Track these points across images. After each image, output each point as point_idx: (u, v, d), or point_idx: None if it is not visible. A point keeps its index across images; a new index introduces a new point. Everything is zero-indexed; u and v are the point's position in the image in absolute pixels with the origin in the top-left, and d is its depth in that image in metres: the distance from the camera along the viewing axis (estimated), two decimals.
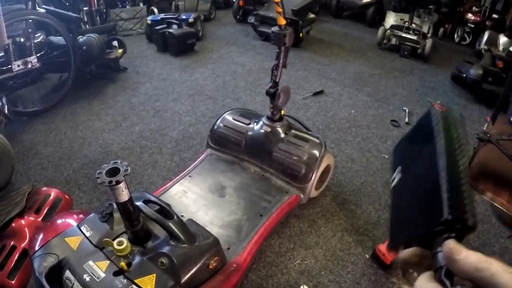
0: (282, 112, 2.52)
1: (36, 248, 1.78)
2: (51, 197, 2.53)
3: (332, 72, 4.45)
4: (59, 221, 1.94)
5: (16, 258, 2.19)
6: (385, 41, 5.17)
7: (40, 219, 2.40)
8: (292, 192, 2.40)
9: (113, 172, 1.53)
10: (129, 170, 1.52)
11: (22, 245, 2.24)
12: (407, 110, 3.70)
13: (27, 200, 2.50)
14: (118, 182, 1.49)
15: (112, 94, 3.94)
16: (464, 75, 4.10)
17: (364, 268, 2.27)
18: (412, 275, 1.86)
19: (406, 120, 3.57)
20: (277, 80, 2.38)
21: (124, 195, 1.56)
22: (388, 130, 3.44)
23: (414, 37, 4.90)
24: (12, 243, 2.24)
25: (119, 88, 4.05)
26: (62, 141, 3.27)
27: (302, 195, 2.40)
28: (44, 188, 2.62)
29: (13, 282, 2.11)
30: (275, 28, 2.25)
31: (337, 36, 5.71)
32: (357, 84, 4.19)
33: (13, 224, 2.31)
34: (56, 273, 1.70)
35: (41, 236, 1.85)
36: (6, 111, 2.84)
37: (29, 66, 3.33)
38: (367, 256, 2.33)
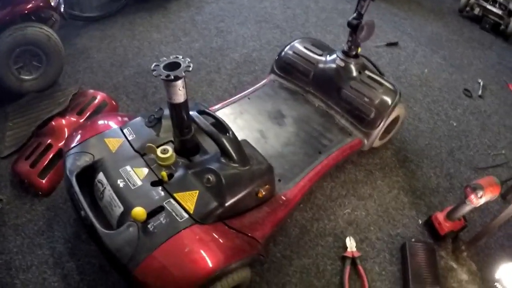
0: (359, 49, 2.28)
1: (72, 145, 1.72)
2: (97, 101, 2.52)
3: (408, 27, 4.13)
4: (100, 122, 1.86)
5: (50, 157, 2.17)
6: (467, 8, 4.74)
7: (82, 120, 2.38)
8: (355, 135, 2.22)
9: (173, 67, 1.41)
10: (191, 67, 1.38)
11: (59, 145, 2.21)
12: (481, 83, 3.41)
13: (71, 101, 2.52)
14: (176, 78, 1.37)
15: (175, 9, 3.82)
16: None
17: (415, 233, 2.12)
18: (463, 253, 1.64)
19: (480, 92, 3.28)
20: (362, 12, 2.15)
21: (180, 96, 1.44)
22: (460, 98, 3.17)
23: (499, 12, 4.45)
24: (49, 141, 2.23)
25: (183, 4, 3.91)
26: (116, 48, 3.21)
27: (365, 141, 2.23)
28: (91, 91, 2.62)
29: (43, 181, 2.08)
30: None
31: None
32: (433, 45, 3.88)
33: (53, 123, 2.29)
34: (88, 174, 1.63)
35: (79, 134, 1.78)
36: (61, 9, 2.74)
37: None
38: (420, 222, 2.17)
